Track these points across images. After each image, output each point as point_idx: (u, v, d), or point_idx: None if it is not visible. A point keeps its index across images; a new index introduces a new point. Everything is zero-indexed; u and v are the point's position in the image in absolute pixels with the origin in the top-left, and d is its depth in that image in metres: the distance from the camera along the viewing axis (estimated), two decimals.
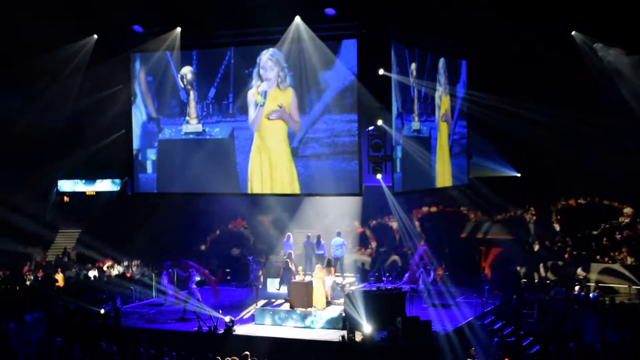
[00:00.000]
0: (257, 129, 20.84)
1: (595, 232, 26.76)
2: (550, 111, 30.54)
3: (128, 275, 26.82)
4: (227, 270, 27.57)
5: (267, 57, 20.58)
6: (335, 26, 19.59)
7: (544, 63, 28.86)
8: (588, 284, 24.00)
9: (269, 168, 20.77)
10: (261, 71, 20.66)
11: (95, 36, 22.57)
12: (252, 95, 20.87)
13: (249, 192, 21.49)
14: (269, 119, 20.71)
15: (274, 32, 20.46)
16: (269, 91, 20.65)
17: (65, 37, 22.78)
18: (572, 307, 21.62)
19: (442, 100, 23.40)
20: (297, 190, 20.89)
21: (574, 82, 28.41)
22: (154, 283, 25.24)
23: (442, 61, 23.20)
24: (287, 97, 20.53)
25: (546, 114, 30.72)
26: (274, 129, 20.72)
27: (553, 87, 29.61)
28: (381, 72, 19.66)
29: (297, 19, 19.92)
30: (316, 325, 19.46)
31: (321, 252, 23.17)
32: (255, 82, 20.81)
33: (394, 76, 20.18)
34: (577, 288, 22.68)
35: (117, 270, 27.70)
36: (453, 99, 24.31)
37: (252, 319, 20.48)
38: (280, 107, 20.56)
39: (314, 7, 19.54)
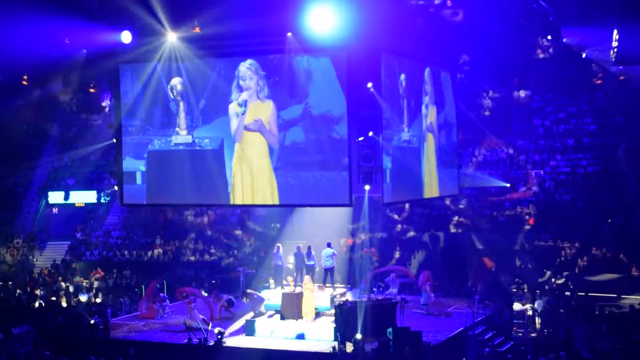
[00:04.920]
0: (240, 140, 20.80)
1: None
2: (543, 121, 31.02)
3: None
4: (214, 281, 27.47)
5: (246, 67, 20.58)
6: (325, 37, 19.56)
7: (535, 72, 29.33)
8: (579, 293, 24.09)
9: (250, 179, 20.73)
10: (240, 82, 20.64)
11: (85, 50, 22.50)
12: (233, 108, 20.84)
13: (231, 203, 21.45)
14: (247, 129, 20.68)
15: (262, 42, 20.44)
16: (250, 102, 20.61)
17: (57, 49, 22.74)
18: (563, 316, 21.67)
19: (429, 111, 23.44)
20: (276, 201, 20.84)
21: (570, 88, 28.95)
22: (143, 294, 25.13)
23: (427, 71, 23.25)
24: (267, 110, 20.50)
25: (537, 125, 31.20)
26: (255, 140, 20.68)
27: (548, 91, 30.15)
28: (370, 85, 19.67)
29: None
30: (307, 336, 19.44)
31: (311, 262, 23.12)
32: (234, 95, 20.80)
33: (383, 87, 20.20)
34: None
35: (106, 282, 27.57)
36: (441, 109, 24.36)
37: (242, 330, 20.41)
38: (258, 120, 20.52)
39: (304, 18, 19.51)
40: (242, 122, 20.67)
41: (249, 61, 20.50)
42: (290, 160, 20.42)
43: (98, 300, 25.01)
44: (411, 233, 28.67)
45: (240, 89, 20.63)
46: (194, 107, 21.38)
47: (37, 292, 26.41)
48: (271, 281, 23.08)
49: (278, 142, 20.38)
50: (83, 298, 25.02)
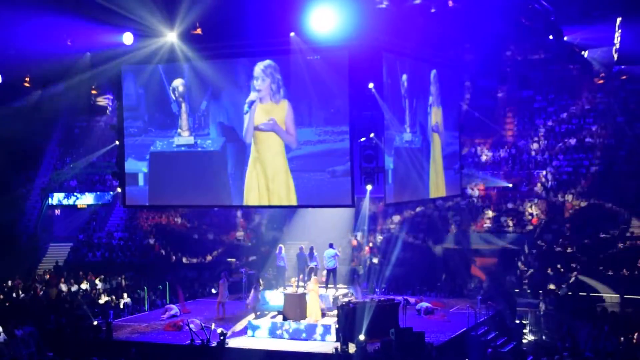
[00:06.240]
0: (250, 140, 20.78)
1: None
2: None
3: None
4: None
5: (261, 68, 20.56)
6: (326, 37, 19.55)
7: (537, 72, 29.32)
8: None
9: (265, 180, 20.70)
10: (254, 82, 20.62)
11: (89, 53, 22.56)
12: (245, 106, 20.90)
13: (245, 204, 21.44)
14: (259, 130, 20.68)
15: (264, 43, 20.44)
16: (261, 104, 20.58)
17: (59, 50, 22.77)
18: (566, 317, 21.65)
19: (433, 111, 23.46)
20: (293, 202, 20.85)
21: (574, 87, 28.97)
22: (146, 296, 25.18)
23: (433, 72, 23.26)
24: (282, 111, 20.47)
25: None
26: (270, 141, 20.65)
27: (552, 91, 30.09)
28: (371, 85, 19.67)
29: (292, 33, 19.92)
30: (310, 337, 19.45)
31: (314, 263, 23.11)
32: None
33: (385, 87, 20.20)
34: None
35: (109, 283, 27.56)
36: (445, 109, 24.35)
37: (245, 331, 20.41)
38: (271, 120, 20.52)
39: (306, 19, 19.51)
40: (251, 122, 20.66)
41: (266, 62, 20.44)
42: (292, 161, 20.42)
43: (101, 301, 25.02)
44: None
45: (253, 88, 20.62)
46: (196, 109, 21.40)
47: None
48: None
49: (296, 141, 20.35)
50: (86, 299, 25.01)
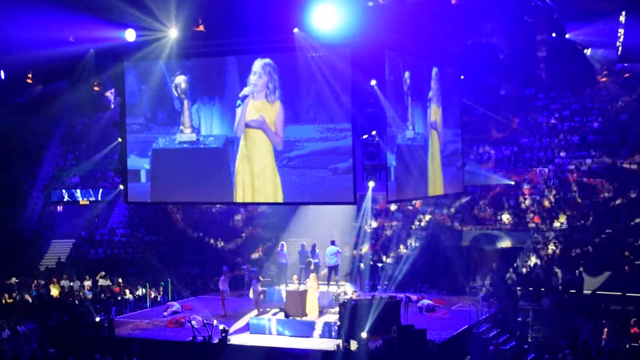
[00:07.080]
0: (241, 134, 20.79)
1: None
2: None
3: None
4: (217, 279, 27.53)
5: (260, 65, 20.55)
6: (329, 35, 19.54)
7: (540, 69, 29.28)
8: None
9: (251, 177, 20.73)
10: (251, 76, 20.62)
11: (92, 50, 22.57)
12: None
13: (234, 200, 21.47)
14: (249, 126, 20.69)
15: (267, 40, 20.43)
16: (254, 100, 20.58)
17: (61, 47, 22.80)
18: (568, 315, 21.65)
19: (433, 108, 23.43)
20: (280, 200, 20.85)
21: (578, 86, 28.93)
22: (147, 293, 25.20)
23: (435, 70, 23.22)
24: (274, 111, 20.48)
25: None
26: (258, 139, 20.68)
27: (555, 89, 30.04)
28: (373, 82, 19.66)
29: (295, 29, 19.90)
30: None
31: (316, 260, 23.14)
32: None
33: (387, 85, 20.17)
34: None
35: (110, 281, 27.57)
36: (446, 107, 24.32)
37: (247, 328, 20.43)
38: (261, 118, 20.53)
39: (309, 16, 19.50)
40: (242, 117, 20.68)
41: (266, 60, 20.45)
42: (294, 158, 20.41)
43: (103, 298, 25.04)
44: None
45: (248, 83, 20.62)
46: (198, 106, 21.39)
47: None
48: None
49: (282, 143, 20.37)
50: (88, 296, 25.05)
